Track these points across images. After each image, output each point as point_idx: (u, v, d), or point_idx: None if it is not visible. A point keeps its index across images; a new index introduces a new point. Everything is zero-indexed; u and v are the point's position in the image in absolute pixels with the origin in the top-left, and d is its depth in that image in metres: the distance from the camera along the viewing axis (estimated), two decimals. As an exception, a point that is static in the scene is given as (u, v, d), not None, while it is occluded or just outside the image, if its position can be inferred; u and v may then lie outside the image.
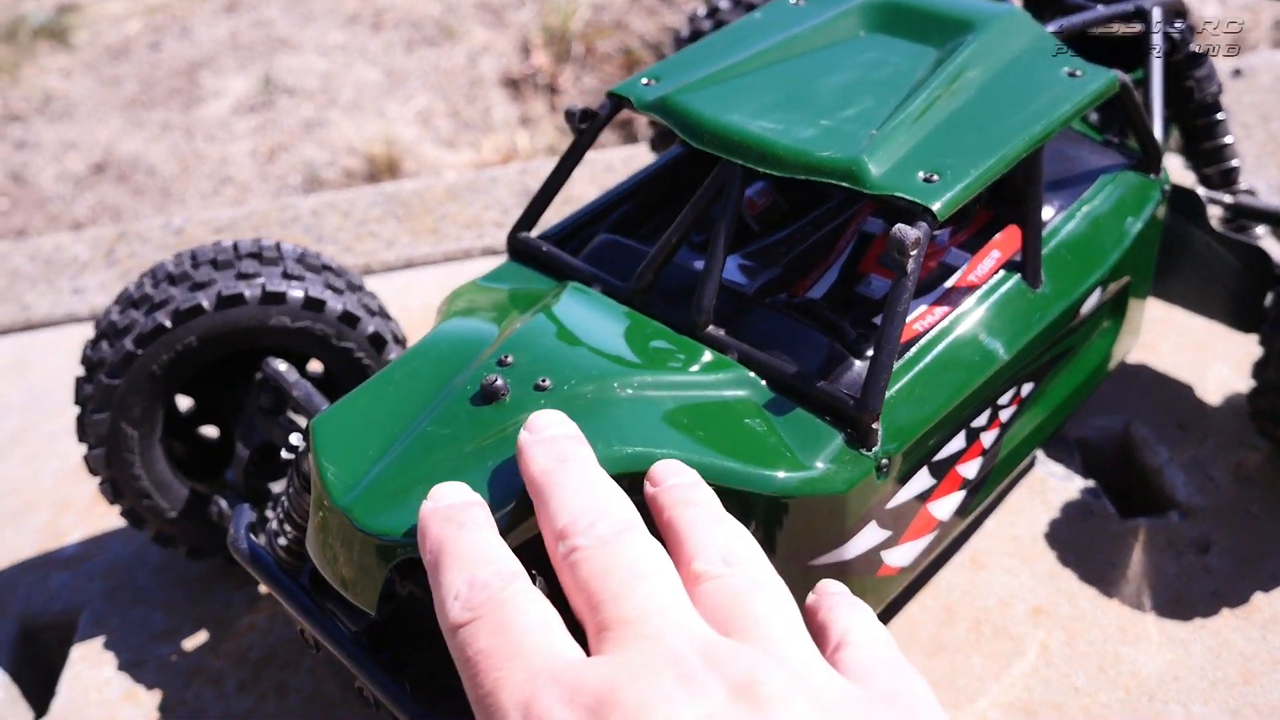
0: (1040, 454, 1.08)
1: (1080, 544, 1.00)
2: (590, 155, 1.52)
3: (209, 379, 1.01)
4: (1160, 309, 1.19)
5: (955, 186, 0.76)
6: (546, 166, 1.58)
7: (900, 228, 0.72)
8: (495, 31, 2.87)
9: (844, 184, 0.77)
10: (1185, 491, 1.04)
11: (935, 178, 0.76)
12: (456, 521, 0.58)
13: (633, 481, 0.70)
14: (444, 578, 0.55)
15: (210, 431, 1.08)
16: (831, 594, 0.58)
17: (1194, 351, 1.18)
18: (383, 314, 1.01)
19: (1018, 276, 0.85)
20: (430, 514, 0.60)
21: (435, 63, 2.77)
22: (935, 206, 0.74)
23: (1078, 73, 0.86)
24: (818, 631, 0.55)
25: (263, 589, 1.04)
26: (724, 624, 0.49)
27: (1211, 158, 1.08)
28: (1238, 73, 1.57)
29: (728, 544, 0.55)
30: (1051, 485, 1.05)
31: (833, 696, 0.45)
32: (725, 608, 0.50)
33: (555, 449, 0.62)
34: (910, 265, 0.73)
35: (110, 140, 2.57)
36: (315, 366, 1.09)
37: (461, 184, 1.53)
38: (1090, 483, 1.06)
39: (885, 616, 0.94)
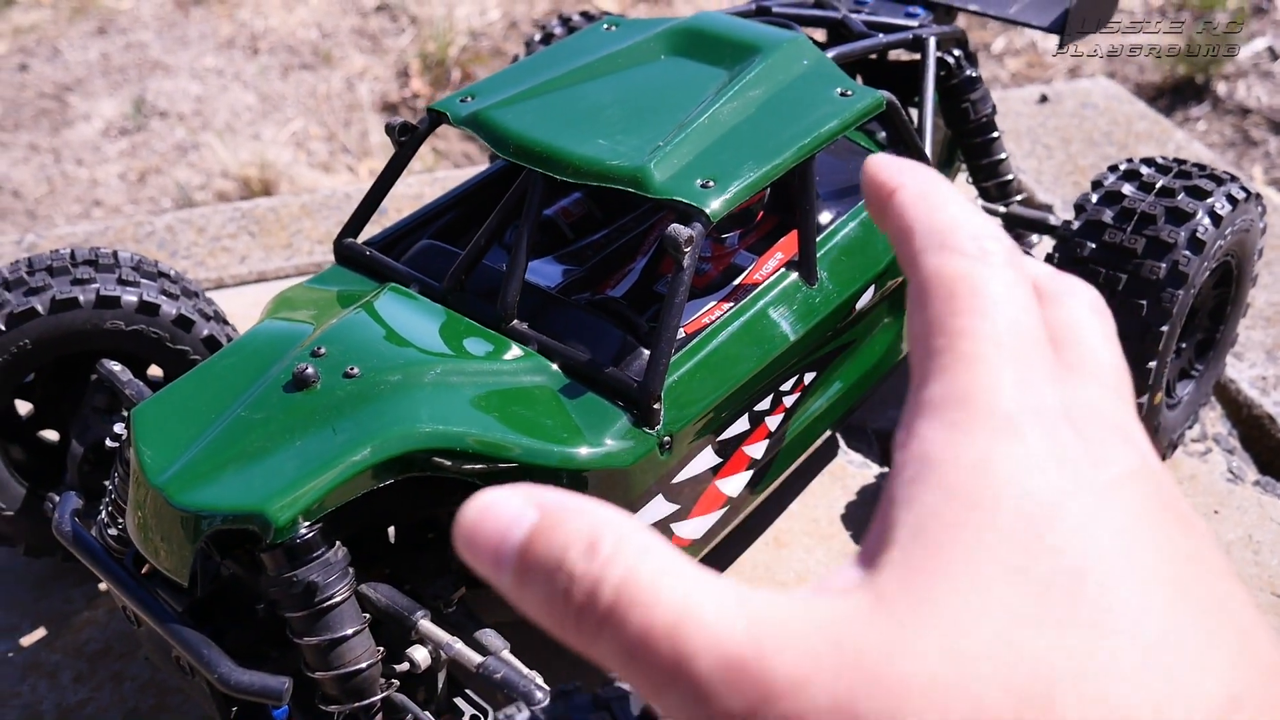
0: (842, 443, 1.18)
1: (876, 522, 1.09)
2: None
3: (50, 385, 1.04)
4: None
5: (728, 191, 0.85)
6: (403, 186, 1.63)
7: (675, 227, 0.80)
8: (373, 58, 2.92)
9: (630, 189, 0.85)
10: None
11: (711, 184, 0.85)
12: None
13: (429, 458, 0.76)
14: None
15: (52, 436, 1.11)
16: None
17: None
18: (219, 319, 1.05)
19: (796, 275, 0.95)
20: None
21: (312, 87, 2.81)
22: (709, 209, 0.83)
23: (849, 93, 0.96)
24: None
25: (103, 585, 1.07)
26: None
27: (989, 173, 1.19)
28: (1044, 98, 1.71)
29: None
30: (850, 472, 1.14)
31: None
32: None
33: None
34: (686, 261, 0.81)
35: (-26, 162, 2.54)
36: (157, 372, 1.13)
37: (315, 201, 1.59)
38: (886, 469, 1.16)
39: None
